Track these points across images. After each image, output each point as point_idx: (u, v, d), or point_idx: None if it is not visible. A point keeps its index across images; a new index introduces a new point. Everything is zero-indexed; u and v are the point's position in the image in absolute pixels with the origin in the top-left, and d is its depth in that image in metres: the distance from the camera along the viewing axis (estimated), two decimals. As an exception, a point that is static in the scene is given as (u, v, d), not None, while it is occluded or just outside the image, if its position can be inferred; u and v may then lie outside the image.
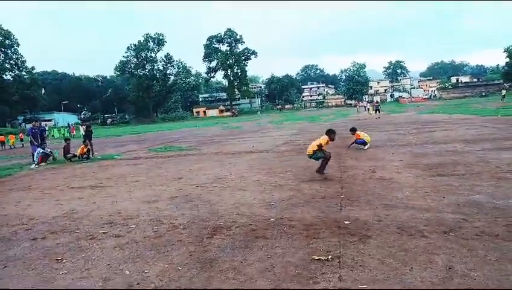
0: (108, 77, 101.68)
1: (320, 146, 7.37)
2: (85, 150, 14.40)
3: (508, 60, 77.56)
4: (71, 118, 76.75)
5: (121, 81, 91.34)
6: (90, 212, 5.96)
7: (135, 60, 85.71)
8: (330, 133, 7.58)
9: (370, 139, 11.58)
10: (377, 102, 41.98)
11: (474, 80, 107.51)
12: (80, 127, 44.85)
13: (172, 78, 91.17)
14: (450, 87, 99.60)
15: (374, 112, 34.53)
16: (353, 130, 11.90)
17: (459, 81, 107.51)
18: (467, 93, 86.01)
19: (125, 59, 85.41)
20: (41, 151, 13.72)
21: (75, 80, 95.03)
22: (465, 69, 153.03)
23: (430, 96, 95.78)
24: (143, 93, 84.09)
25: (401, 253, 3.52)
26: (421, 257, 3.40)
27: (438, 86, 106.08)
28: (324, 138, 7.48)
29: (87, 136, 15.47)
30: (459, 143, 10.68)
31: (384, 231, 4.15)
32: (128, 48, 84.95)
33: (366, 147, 11.24)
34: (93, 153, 15.03)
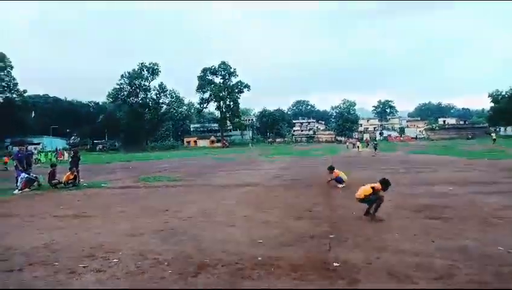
0: (100, 103, 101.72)
1: (374, 190, 6.84)
2: (71, 176, 14.13)
3: (492, 104, 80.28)
4: (60, 143, 75.83)
5: (113, 107, 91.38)
6: (71, 243, 5.74)
7: (128, 87, 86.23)
8: (385, 184, 6.97)
9: (346, 178, 11.58)
10: (374, 139, 41.60)
11: (461, 122, 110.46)
12: (65, 152, 44.29)
13: (164, 107, 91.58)
14: (437, 128, 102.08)
15: (373, 148, 34.26)
16: (331, 169, 11.88)
17: (446, 122, 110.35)
18: (453, 135, 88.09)
19: (118, 86, 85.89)
20: (25, 177, 13.40)
21: (67, 104, 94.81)
22: (451, 111, 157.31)
23: (416, 136, 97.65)
24: (134, 121, 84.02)
25: (391, 300, 3.43)
26: (412, 305, 3.32)
27: (426, 127, 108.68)
28: (377, 185, 6.96)
29: (74, 162, 15.14)
30: (447, 185, 10.76)
31: (374, 275, 4.07)
32: (122, 75, 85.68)
33: (341, 185, 11.24)
34: (79, 180, 14.72)
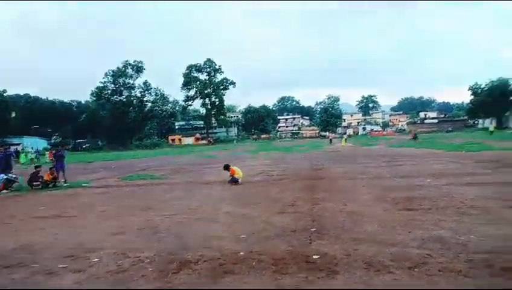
0: (83, 102, 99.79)
1: None
2: (51, 176, 13.88)
3: (472, 97, 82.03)
4: (40, 143, 74.14)
5: (96, 106, 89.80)
6: (51, 244, 5.68)
7: (112, 86, 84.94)
8: None
9: (242, 174, 12.25)
10: (415, 134, 44.46)
11: (441, 115, 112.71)
12: (47, 153, 42.98)
13: (149, 105, 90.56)
14: (418, 122, 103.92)
15: (414, 138, 39.24)
16: (226, 168, 12.43)
17: (427, 116, 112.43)
18: (434, 128, 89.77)
19: (102, 85, 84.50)
20: (4, 178, 13.10)
21: (48, 103, 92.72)
22: (432, 105, 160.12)
23: (396, 130, 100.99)
24: (118, 119, 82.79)
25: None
26: (386, 293, 3.42)
27: (408, 121, 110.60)
28: None
29: (58, 161, 14.99)
30: (426, 177, 11.02)
31: (352, 266, 4.17)
32: (106, 73, 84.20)
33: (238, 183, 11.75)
34: (65, 180, 14.50)
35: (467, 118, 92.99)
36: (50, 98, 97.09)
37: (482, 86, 78.64)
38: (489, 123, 68.98)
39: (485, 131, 55.21)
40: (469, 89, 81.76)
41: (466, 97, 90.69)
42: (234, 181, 11.94)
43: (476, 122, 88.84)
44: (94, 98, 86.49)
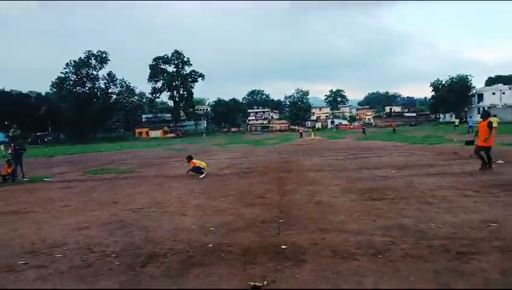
0: (43, 94, 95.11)
1: None
2: (9, 170, 13.21)
3: (433, 93, 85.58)
4: (-3, 136, 70.18)
5: (57, 98, 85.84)
6: (10, 241, 5.42)
7: (74, 76, 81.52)
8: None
9: (205, 165, 12.18)
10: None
11: (405, 110, 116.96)
12: (1, 146, 40.78)
13: (114, 97, 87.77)
14: (384, 116, 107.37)
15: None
16: (189, 158, 12.39)
17: (392, 110, 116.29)
18: (399, 122, 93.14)
19: (63, 75, 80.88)
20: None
21: (4, 95, 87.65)
22: (397, 99, 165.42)
23: (363, 123, 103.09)
24: (81, 111, 79.72)
25: (333, 276, 3.64)
26: (351, 279, 3.54)
27: (374, 115, 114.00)
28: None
29: (17, 156, 14.27)
30: (390, 169, 11.42)
31: (319, 254, 4.27)
32: (67, 64, 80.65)
33: (202, 176, 11.59)
34: (23, 176, 13.85)
35: (429, 113, 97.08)
36: (6, 89, 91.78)
37: (442, 82, 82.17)
38: (450, 117, 72.36)
39: (450, 125, 57.79)
40: (431, 85, 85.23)
41: (428, 93, 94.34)
42: (197, 172, 11.74)
43: (437, 116, 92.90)
44: (55, 90, 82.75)
